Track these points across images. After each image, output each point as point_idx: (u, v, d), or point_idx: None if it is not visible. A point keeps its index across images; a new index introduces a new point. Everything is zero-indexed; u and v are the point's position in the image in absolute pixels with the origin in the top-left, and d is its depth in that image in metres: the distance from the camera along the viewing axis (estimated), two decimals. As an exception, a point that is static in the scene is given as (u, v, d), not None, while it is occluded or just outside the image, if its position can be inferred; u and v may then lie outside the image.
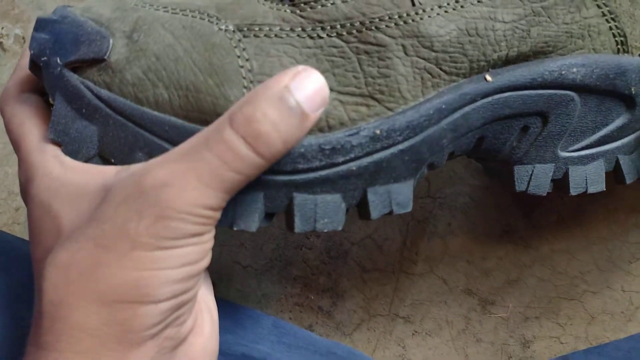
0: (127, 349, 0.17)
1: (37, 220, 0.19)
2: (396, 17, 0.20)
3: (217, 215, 0.18)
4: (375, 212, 0.21)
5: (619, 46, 0.24)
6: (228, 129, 0.18)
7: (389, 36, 0.20)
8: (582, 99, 0.23)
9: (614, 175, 0.25)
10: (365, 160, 0.21)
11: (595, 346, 0.29)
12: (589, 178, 0.24)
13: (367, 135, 0.20)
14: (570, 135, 0.24)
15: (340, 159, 0.20)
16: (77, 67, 0.20)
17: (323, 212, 0.21)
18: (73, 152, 0.20)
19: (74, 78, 0.19)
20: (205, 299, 0.21)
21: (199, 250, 0.18)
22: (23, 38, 0.40)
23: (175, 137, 0.19)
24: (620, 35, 0.23)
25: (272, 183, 0.20)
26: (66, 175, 0.19)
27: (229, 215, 0.20)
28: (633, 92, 0.24)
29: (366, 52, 0.20)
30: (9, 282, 0.23)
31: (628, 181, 0.25)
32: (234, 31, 0.20)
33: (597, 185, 0.24)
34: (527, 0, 0.22)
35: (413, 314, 0.32)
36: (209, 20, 0.20)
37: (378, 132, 0.20)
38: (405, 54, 0.21)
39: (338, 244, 0.34)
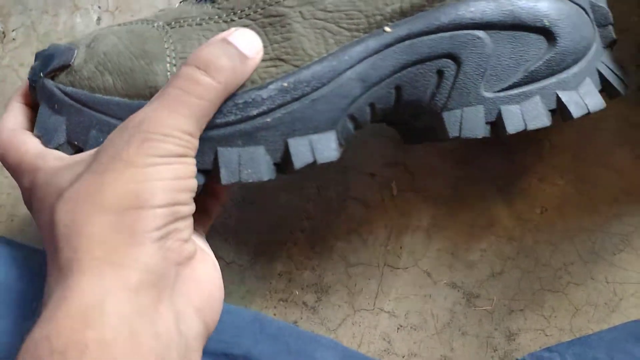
0: (135, 249, 0.19)
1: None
2: None
3: (195, 141, 0.22)
4: (298, 161, 0.24)
5: None
6: (184, 67, 0.22)
7: (287, 7, 0.24)
8: (491, 37, 0.25)
9: (560, 113, 0.26)
10: (279, 112, 0.24)
11: (579, 337, 0.29)
12: (525, 115, 0.25)
13: (276, 89, 0.24)
14: (492, 75, 0.25)
15: (254, 112, 0.24)
16: (54, 75, 0.25)
17: (246, 163, 0.24)
18: (48, 142, 0.24)
19: (50, 83, 0.24)
20: (207, 251, 0.24)
21: (184, 168, 0.21)
22: (3, 33, 0.39)
23: (118, 113, 0.24)
24: None
25: None
26: (65, 161, 0.23)
27: None
28: (547, 24, 0.25)
29: (270, 24, 0.24)
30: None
31: (575, 115, 0.25)
32: (163, 26, 0.25)
33: (537, 120, 0.25)
34: None
35: (398, 308, 0.32)
36: (147, 24, 0.25)
37: (285, 84, 0.24)
38: (303, 18, 0.24)
39: (323, 238, 0.33)
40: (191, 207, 0.22)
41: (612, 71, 0.27)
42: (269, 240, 0.35)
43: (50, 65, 0.25)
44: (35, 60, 0.26)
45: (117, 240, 0.19)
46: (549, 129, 0.34)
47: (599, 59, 0.27)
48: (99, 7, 0.41)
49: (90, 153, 0.22)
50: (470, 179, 0.33)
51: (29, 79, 0.26)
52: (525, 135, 0.34)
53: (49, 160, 0.23)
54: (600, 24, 0.27)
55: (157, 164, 0.20)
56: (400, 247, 0.33)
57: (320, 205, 0.34)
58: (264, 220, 0.35)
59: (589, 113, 0.26)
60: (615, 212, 0.31)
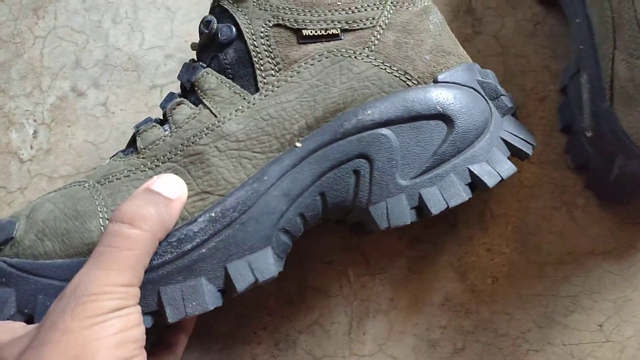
0: None
1: None
2: (205, 130, 0.27)
3: (133, 290, 0.23)
4: (239, 284, 0.26)
5: (406, 82, 0.28)
6: (110, 225, 0.24)
7: (203, 144, 0.27)
8: (394, 132, 0.27)
9: (476, 182, 0.28)
10: (212, 241, 0.26)
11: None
12: (445, 194, 0.27)
13: (205, 220, 0.26)
14: (404, 164, 0.27)
15: (189, 246, 0.26)
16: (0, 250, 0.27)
17: (189, 296, 0.25)
18: (1, 315, 0.25)
19: None
20: None
21: (124, 320, 0.22)
22: None
23: (61, 274, 0.25)
24: (402, 74, 0.28)
25: None
26: (15, 333, 0.23)
27: None
28: (441, 110, 0.28)
29: (191, 163, 0.27)
30: None
31: (490, 185, 0.28)
32: (93, 185, 0.27)
33: (457, 197, 0.27)
34: (302, 80, 0.28)
35: (368, 397, 0.32)
36: (79, 185, 0.28)
37: (213, 214, 0.26)
38: (219, 151, 0.27)
39: (285, 334, 0.34)
40: (141, 358, 0.22)
41: (516, 136, 0.30)
42: (232, 342, 0.34)
43: None
44: None
45: None
46: (488, 200, 0.35)
47: (500, 129, 0.29)
48: (34, 121, 0.41)
49: (35, 326, 0.23)
50: (424, 257, 0.34)
51: None
52: (467, 207, 0.35)
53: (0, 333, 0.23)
54: (493, 97, 0.30)
55: (94, 324, 0.21)
56: (364, 334, 0.34)
57: (281, 299, 0.35)
58: (225, 322, 0.35)
59: (502, 180, 0.28)
60: (562, 275, 0.33)
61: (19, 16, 0.43)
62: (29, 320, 0.26)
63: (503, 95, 0.30)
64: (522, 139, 0.30)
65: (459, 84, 0.28)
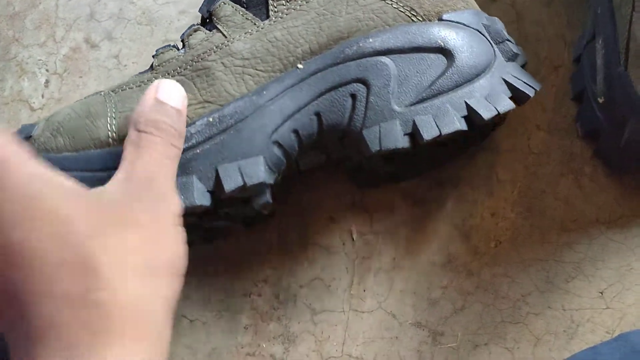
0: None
1: None
2: (214, 48, 0.29)
3: None
4: (227, 185, 0.27)
5: (411, 17, 0.29)
6: (129, 131, 0.26)
7: (210, 60, 0.29)
8: (393, 60, 0.28)
9: (472, 117, 0.28)
10: (207, 144, 0.28)
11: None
12: (439, 122, 0.28)
13: (203, 124, 0.28)
14: (400, 92, 0.28)
15: (185, 146, 0.27)
16: None
17: (180, 192, 0.27)
18: None
19: None
20: None
21: None
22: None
23: (67, 166, 0.27)
24: (408, 10, 0.29)
25: None
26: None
27: None
28: (442, 44, 0.28)
29: (198, 76, 0.29)
30: None
31: (486, 117, 0.28)
32: (108, 92, 0.30)
33: (450, 125, 0.28)
34: (310, 8, 0.29)
35: (366, 352, 0.33)
36: (96, 94, 0.31)
37: (211, 119, 0.28)
38: (225, 66, 0.29)
39: (286, 287, 0.34)
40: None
41: (518, 79, 0.30)
42: (232, 293, 0.35)
43: (19, 139, 0.29)
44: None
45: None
46: (495, 165, 0.35)
47: (504, 71, 0.30)
48: (47, 70, 0.41)
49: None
50: (428, 217, 0.34)
51: None
52: (474, 170, 0.35)
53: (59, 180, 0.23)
54: (498, 42, 0.31)
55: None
56: (364, 290, 0.34)
57: (282, 253, 0.35)
58: (226, 273, 0.35)
59: (498, 114, 0.29)
60: (565, 241, 0.33)
61: (36, -34, 0.44)
62: None
63: (508, 40, 0.31)
64: (524, 82, 0.30)
65: (463, 24, 0.29)
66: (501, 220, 0.34)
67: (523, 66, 0.32)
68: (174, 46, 0.31)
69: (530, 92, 0.30)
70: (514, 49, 0.31)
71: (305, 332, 0.34)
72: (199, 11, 0.32)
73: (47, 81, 0.42)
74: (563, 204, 0.34)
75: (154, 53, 0.31)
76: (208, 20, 0.31)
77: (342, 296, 0.34)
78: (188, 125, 0.28)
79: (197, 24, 0.32)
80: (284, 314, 0.34)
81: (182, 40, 0.31)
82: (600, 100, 0.31)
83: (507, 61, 0.30)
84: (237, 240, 0.36)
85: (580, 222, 0.33)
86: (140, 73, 0.31)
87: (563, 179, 0.34)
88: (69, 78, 0.41)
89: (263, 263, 0.35)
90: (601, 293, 0.32)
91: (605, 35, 0.31)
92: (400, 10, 0.29)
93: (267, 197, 0.29)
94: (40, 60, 0.42)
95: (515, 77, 0.30)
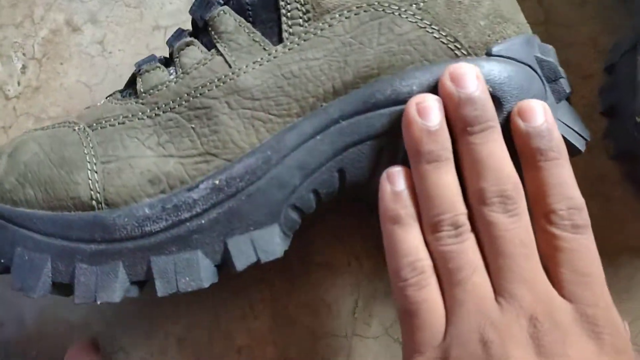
0: None
1: None
2: (216, 80, 0.24)
3: None
4: (239, 263, 0.23)
5: (455, 51, 0.24)
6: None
7: (212, 98, 0.24)
8: None
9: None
10: (214, 212, 0.23)
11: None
12: None
13: (207, 187, 0.23)
14: None
15: (187, 215, 0.23)
16: None
17: (183, 270, 0.23)
18: None
19: None
20: None
21: None
22: None
23: (42, 227, 0.23)
24: (452, 41, 0.24)
25: (126, 250, 0.23)
26: None
27: (90, 288, 0.23)
28: (491, 91, 0.24)
29: (196, 117, 0.24)
30: None
31: None
32: (84, 129, 0.24)
33: None
34: (334, 35, 0.24)
35: (370, 383, 0.30)
36: (68, 126, 0.25)
37: (217, 182, 0.23)
38: (230, 108, 0.24)
39: (285, 309, 0.31)
40: None
41: (570, 127, 0.26)
42: (226, 312, 0.32)
43: None
44: None
45: None
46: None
47: (555, 117, 0.26)
48: (24, 54, 0.37)
49: None
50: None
51: None
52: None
53: None
54: (550, 80, 0.26)
55: None
56: (369, 315, 0.31)
57: (282, 272, 0.32)
58: (220, 290, 0.32)
59: None
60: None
61: None
62: (5, 270, 0.24)
63: (562, 77, 0.26)
64: (576, 131, 0.26)
65: (515, 59, 0.25)
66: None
67: (567, 99, 0.28)
68: (159, 60, 0.26)
69: (582, 146, 0.26)
70: (567, 87, 0.27)
71: (304, 358, 0.32)
72: (190, 12, 0.26)
73: (23, 67, 0.37)
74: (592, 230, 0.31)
75: (136, 68, 0.26)
76: (202, 28, 0.26)
77: (345, 320, 0.32)
78: (189, 188, 0.23)
79: (187, 32, 0.27)
80: (282, 338, 0.32)
81: (170, 51, 0.26)
82: (639, 120, 0.28)
83: (557, 102, 0.26)
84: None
85: (607, 250, 0.31)
86: (121, 95, 0.26)
87: (591, 201, 0.31)
88: (48, 64, 0.37)
89: (261, 281, 0.32)
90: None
91: (649, 50, 0.28)
92: (442, 42, 0.24)
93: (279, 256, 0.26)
94: (16, 42, 0.38)
95: (566, 125, 0.26)
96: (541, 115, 0.23)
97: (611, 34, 0.34)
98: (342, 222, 0.33)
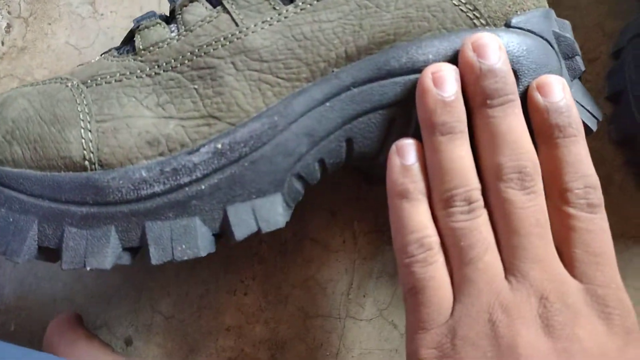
0: None
1: None
2: (222, 39, 0.23)
3: None
4: (239, 232, 0.22)
5: (474, 20, 0.24)
6: None
7: (217, 57, 0.22)
8: None
9: None
10: (214, 178, 0.22)
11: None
12: None
13: (209, 152, 0.22)
14: None
15: (186, 179, 0.22)
16: None
17: (179, 237, 0.22)
18: None
19: None
20: None
21: None
22: None
23: (28, 188, 0.22)
24: (471, 10, 0.23)
25: (119, 215, 0.22)
26: None
27: (79, 253, 0.21)
28: None
29: (200, 77, 0.22)
30: None
31: None
32: (78, 85, 0.23)
33: None
34: None
35: (362, 365, 0.29)
36: (60, 82, 0.23)
37: (220, 146, 0.22)
38: (236, 69, 0.22)
39: (277, 286, 0.30)
40: None
41: (583, 106, 0.26)
42: (215, 289, 0.31)
43: None
44: None
45: None
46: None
47: None
48: (9, 12, 0.35)
49: None
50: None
51: None
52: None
53: None
54: (567, 56, 0.26)
55: None
56: (364, 296, 0.30)
57: (275, 247, 0.31)
58: (209, 266, 0.31)
59: None
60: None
61: None
62: None
63: (578, 55, 0.26)
64: (588, 110, 0.26)
65: (534, 32, 0.24)
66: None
67: (580, 78, 0.28)
68: (160, 17, 0.24)
69: (594, 126, 0.26)
70: (582, 65, 0.26)
71: (295, 338, 0.31)
72: None
73: (8, 25, 0.36)
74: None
75: (134, 24, 0.24)
76: None
77: (338, 300, 0.31)
78: (189, 152, 0.22)
79: None
80: (273, 317, 0.31)
81: (172, 8, 0.25)
82: (645, 109, 0.28)
83: (572, 80, 0.26)
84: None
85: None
86: (118, 52, 0.24)
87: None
88: (35, 24, 0.35)
89: (252, 257, 0.31)
90: (621, 315, 0.30)
91: (660, 34, 0.27)
92: (461, 10, 0.23)
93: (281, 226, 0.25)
94: (0, -1, 0.36)
95: (579, 103, 0.25)
96: (560, 91, 0.22)
97: (618, 19, 0.33)
98: (337, 197, 0.32)
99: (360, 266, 0.31)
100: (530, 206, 0.21)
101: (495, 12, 0.24)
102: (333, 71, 0.23)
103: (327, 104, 0.23)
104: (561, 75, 0.24)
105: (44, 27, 0.36)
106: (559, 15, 0.33)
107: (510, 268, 0.21)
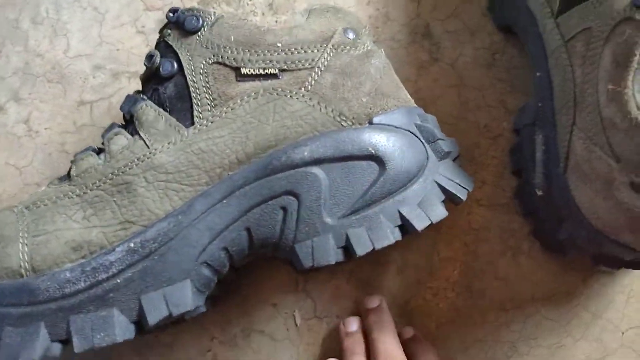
0: None
1: None
2: (135, 160, 0.27)
3: None
4: (151, 317, 0.25)
5: (341, 122, 0.28)
6: None
7: (132, 174, 0.27)
8: (324, 170, 0.27)
9: (406, 225, 0.28)
10: (129, 272, 0.26)
11: None
12: (372, 236, 0.27)
13: (123, 250, 0.26)
14: (333, 203, 0.27)
15: (104, 276, 0.25)
16: None
17: (99, 327, 0.25)
18: None
19: None
20: None
21: None
22: None
23: None
24: (338, 115, 0.28)
25: (48, 311, 0.25)
26: None
27: (13, 349, 0.25)
28: (374, 152, 0.28)
29: (118, 192, 0.27)
30: None
31: (419, 228, 0.27)
32: (22, 210, 0.27)
33: (384, 240, 0.27)
34: (236, 117, 0.28)
35: None
36: (10, 210, 0.28)
37: (132, 245, 0.26)
38: (147, 182, 0.27)
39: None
40: None
41: (451, 180, 0.30)
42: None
43: None
44: None
45: None
46: (437, 243, 0.35)
47: (436, 173, 0.29)
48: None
49: None
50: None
51: None
52: (416, 249, 0.35)
53: None
54: (429, 141, 0.30)
55: None
56: (306, 382, 0.34)
57: (225, 343, 0.34)
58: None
59: (432, 223, 0.28)
60: (503, 320, 0.34)
61: None
62: None
63: (440, 139, 0.30)
64: (457, 183, 0.30)
65: (394, 126, 0.28)
66: (442, 301, 0.34)
67: (456, 159, 0.32)
68: (93, 149, 0.29)
69: (463, 195, 0.30)
70: (446, 147, 0.30)
71: None
72: (120, 109, 0.30)
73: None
74: (502, 283, 0.34)
75: (72, 158, 0.29)
76: (129, 120, 0.29)
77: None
78: (107, 252, 0.26)
79: (119, 125, 0.30)
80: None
81: (102, 142, 0.29)
82: (539, 193, 0.31)
83: (439, 160, 0.30)
84: (178, 335, 0.34)
85: (517, 301, 0.34)
86: (59, 181, 0.28)
87: (502, 257, 0.34)
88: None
89: (205, 354, 0.34)
90: (534, 371, 0.34)
91: (546, 134, 0.30)
92: (329, 115, 0.28)
93: (200, 309, 0.29)
94: None
95: (448, 178, 0.29)
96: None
97: (519, 92, 0.36)
98: (277, 289, 0.34)
99: (305, 352, 0.34)
100: None
101: (359, 114, 0.28)
102: (228, 174, 0.27)
103: (224, 201, 0.27)
104: (427, 157, 0.29)
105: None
106: (464, 95, 0.36)
107: None
